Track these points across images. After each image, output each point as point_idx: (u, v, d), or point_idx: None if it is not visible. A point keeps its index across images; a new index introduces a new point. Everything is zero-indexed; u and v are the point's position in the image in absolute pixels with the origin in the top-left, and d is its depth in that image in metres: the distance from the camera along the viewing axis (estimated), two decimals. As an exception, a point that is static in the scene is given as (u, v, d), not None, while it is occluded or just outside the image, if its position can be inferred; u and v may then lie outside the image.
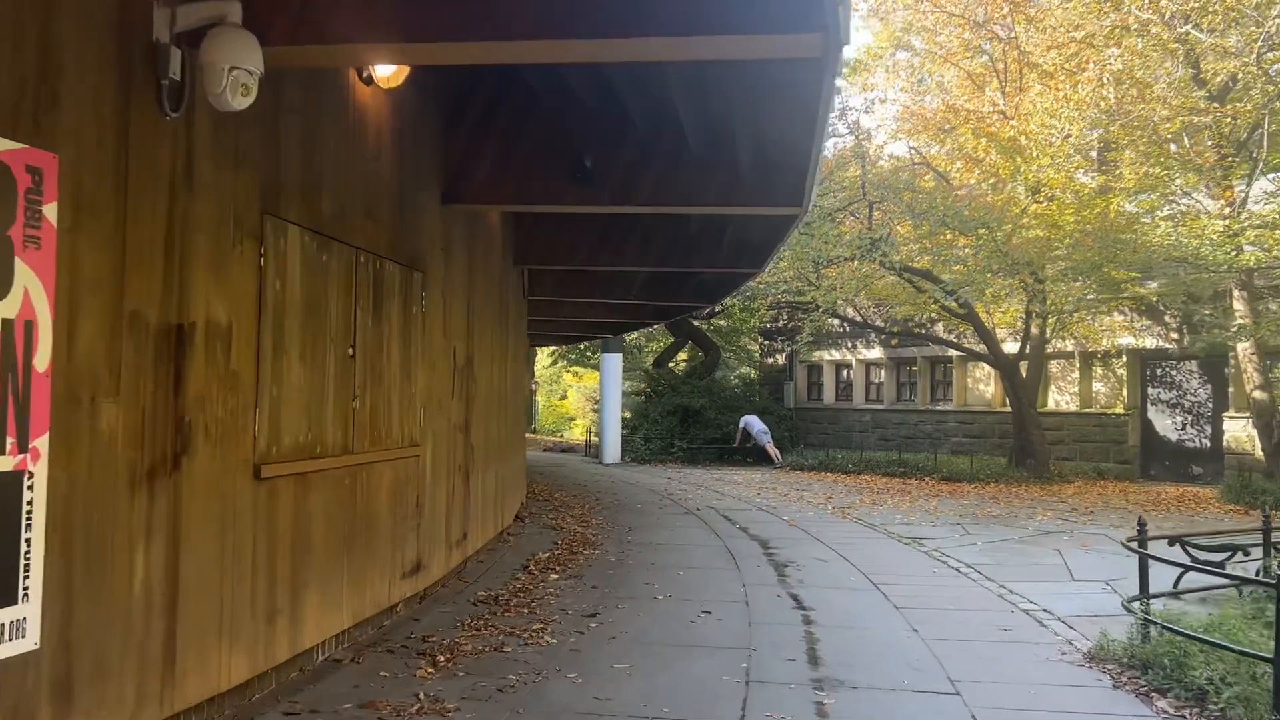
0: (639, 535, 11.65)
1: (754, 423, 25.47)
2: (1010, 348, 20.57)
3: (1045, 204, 15.61)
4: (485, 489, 9.59)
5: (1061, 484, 19.10)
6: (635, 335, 35.20)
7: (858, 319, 23.08)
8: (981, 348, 20.17)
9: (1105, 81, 13.83)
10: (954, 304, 18.40)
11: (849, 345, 26.81)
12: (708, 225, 10.77)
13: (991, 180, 15.80)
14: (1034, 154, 14.89)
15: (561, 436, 42.73)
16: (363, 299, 6.14)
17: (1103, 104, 14.02)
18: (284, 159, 5.15)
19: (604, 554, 10.12)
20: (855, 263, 21.08)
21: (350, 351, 5.96)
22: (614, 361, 25.91)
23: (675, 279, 14.33)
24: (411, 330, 6.99)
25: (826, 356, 27.56)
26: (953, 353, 23.77)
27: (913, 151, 16.99)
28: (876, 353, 26.12)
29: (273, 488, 5.05)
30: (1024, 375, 19.78)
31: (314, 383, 5.50)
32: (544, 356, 43.39)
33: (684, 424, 26.64)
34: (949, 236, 16.75)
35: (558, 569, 9.12)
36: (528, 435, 42.85)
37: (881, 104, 21.09)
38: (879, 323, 23.76)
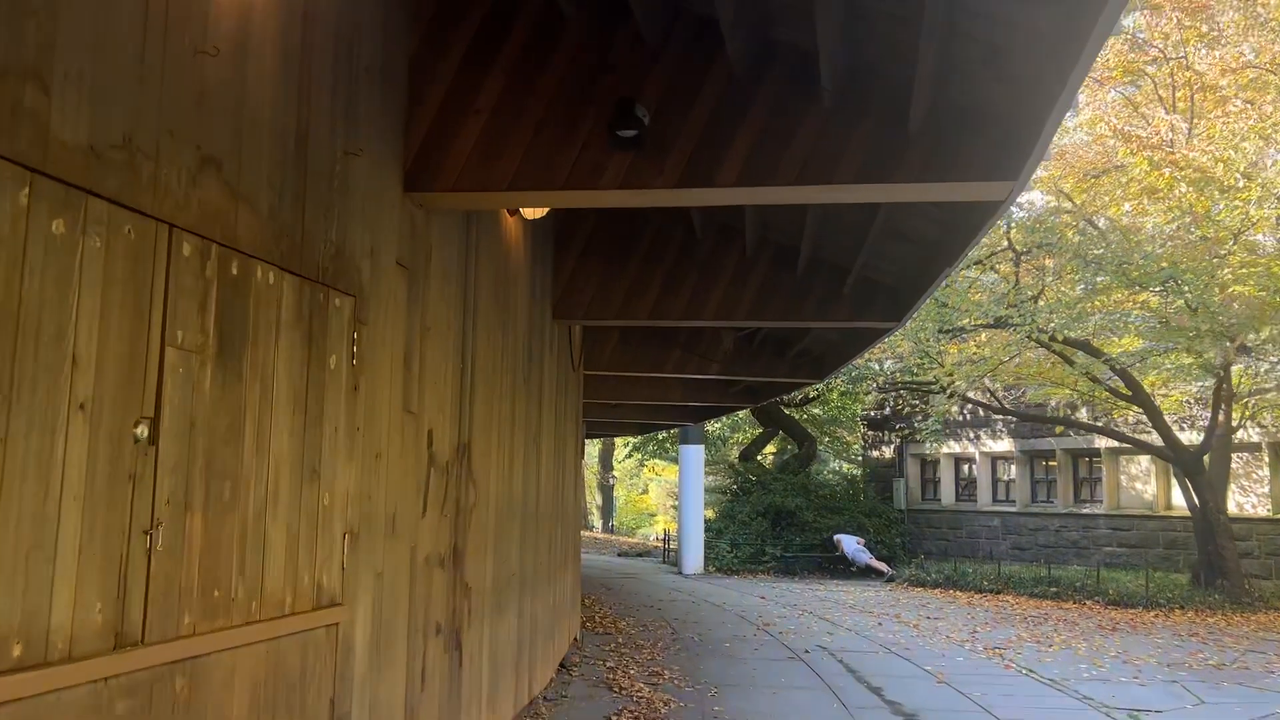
0: (731, 703, 8.20)
1: (848, 542, 21.84)
2: (1183, 438, 16.66)
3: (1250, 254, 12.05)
4: (498, 649, 6.35)
5: (1270, 612, 14.92)
6: (718, 424, 31.89)
7: (991, 403, 19.30)
8: (1152, 437, 16.30)
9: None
10: (1119, 383, 14.73)
11: (971, 435, 22.96)
12: (825, 255, 7.62)
13: (1177, 220, 12.36)
14: (1237, 184, 11.43)
15: (648, 539, 39.20)
16: (189, 328, 3.10)
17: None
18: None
19: (678, 745, 6.73)
20: (984, 334, 17.63)
21: (141, 431, 2.89)
22: (694, 454, 22.59)
23: (772, 344, 11.13)
24: (326, 394, 3.91)
25: (944, 449, 23.71)
26: (1101, 444, 19.82)
27: (1061, 196, 13.72)
28: (1004, 444, 22.21)
29: None
30: (1208, 472, 15.80)
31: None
32: (620, 448, 40.22)
33: (776, 527, 23.01)
34: (1118, 296, 13.27)
35: (603, 782, 5.78)
36: (601, 536, 39.43)
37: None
38: (1007, 406, 19.88)
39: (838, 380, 20.15)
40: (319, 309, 3.87)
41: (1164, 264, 11.72)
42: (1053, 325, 13.65)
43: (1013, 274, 14.09)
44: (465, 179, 4.58)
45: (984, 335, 18.23)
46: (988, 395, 18.89)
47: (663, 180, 4.45)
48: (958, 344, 18.09)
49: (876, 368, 19.99)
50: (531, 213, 6.46)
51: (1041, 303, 13.75)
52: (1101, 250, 12.22)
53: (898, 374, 18.55)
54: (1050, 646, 11.77)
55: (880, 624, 13.61)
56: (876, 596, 17.54)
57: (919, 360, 17.65)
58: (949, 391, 16.62)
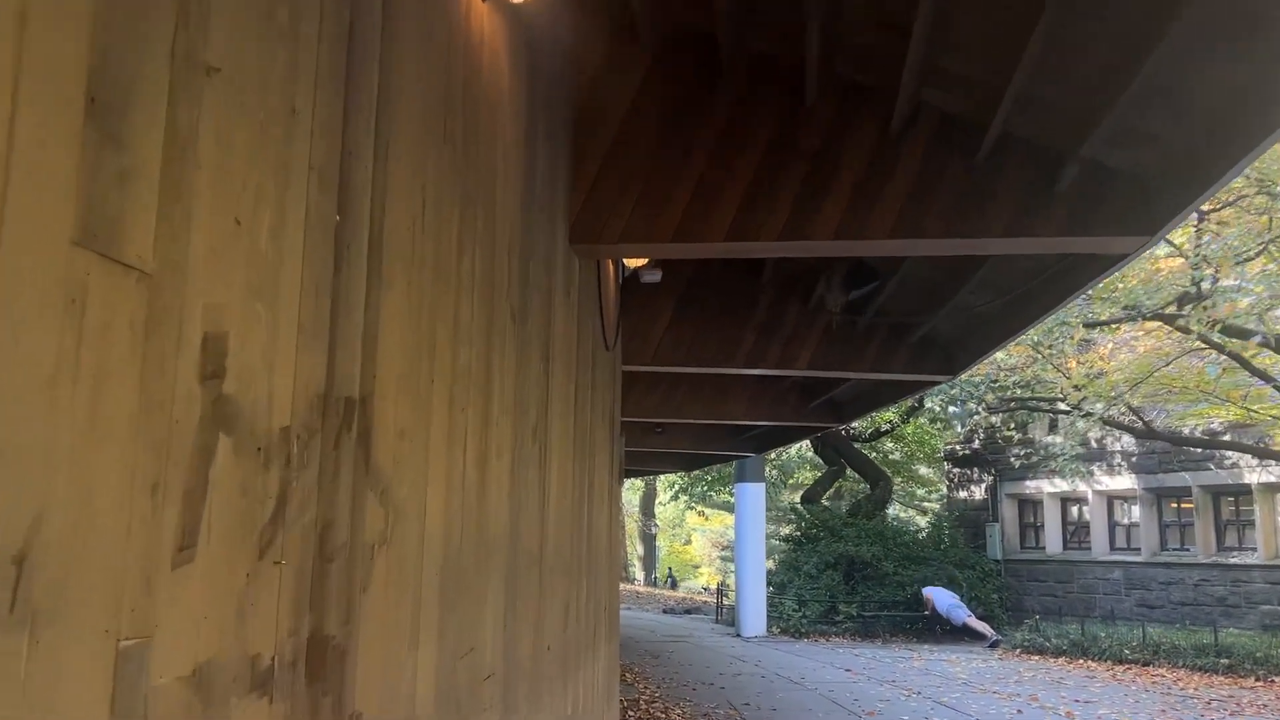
0: None
1: (941, 597, 18.40)
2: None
3: None
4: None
5: None
6: (771, 462, 28.55)
7: (1135, 425, 15.73)
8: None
9: None
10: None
11: (1081, 470, 19.39)
12: (1027, 129, 4.44)
13: None
14: None
15: (694, 591, 35.76)
16: None
17: None
18: None
19: None
20: (1107, 345, 14.33)
21: None
22: (753, 494, 19.30)
23: (886, 324, 7.99)
24: None
25: (1047, 488, 20.17)
26: (1252, 480, 16.28)
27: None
28: (1124, 481, 18.64)
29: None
30: None
31: None
32: (662, 490, 36.89)
33: (849, 581, 19.60)
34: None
35: None
36: (644, 589, 35.93)
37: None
38: (1154, 430, 16.14)
39: (938, 401, 16.89)
40: None
41: None
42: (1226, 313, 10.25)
43: (1189, 242, 10.78)
44: None
45: (1107, 347, 14.93)
46: (1138, 416, 15.19)
47: None
48: (1077, 357, 14.79)
49: (989, 374, 16.45)
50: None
51: (1226, 281, 10.41)
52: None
53: (1014, 387, 15.21)
54: (1283, 753, 8.34)
55: (1020, 712, 10.20)
56: (989, 668, 14.08)
57: (1031, 375, 14.35)
58: (1083, 411, 13.25)
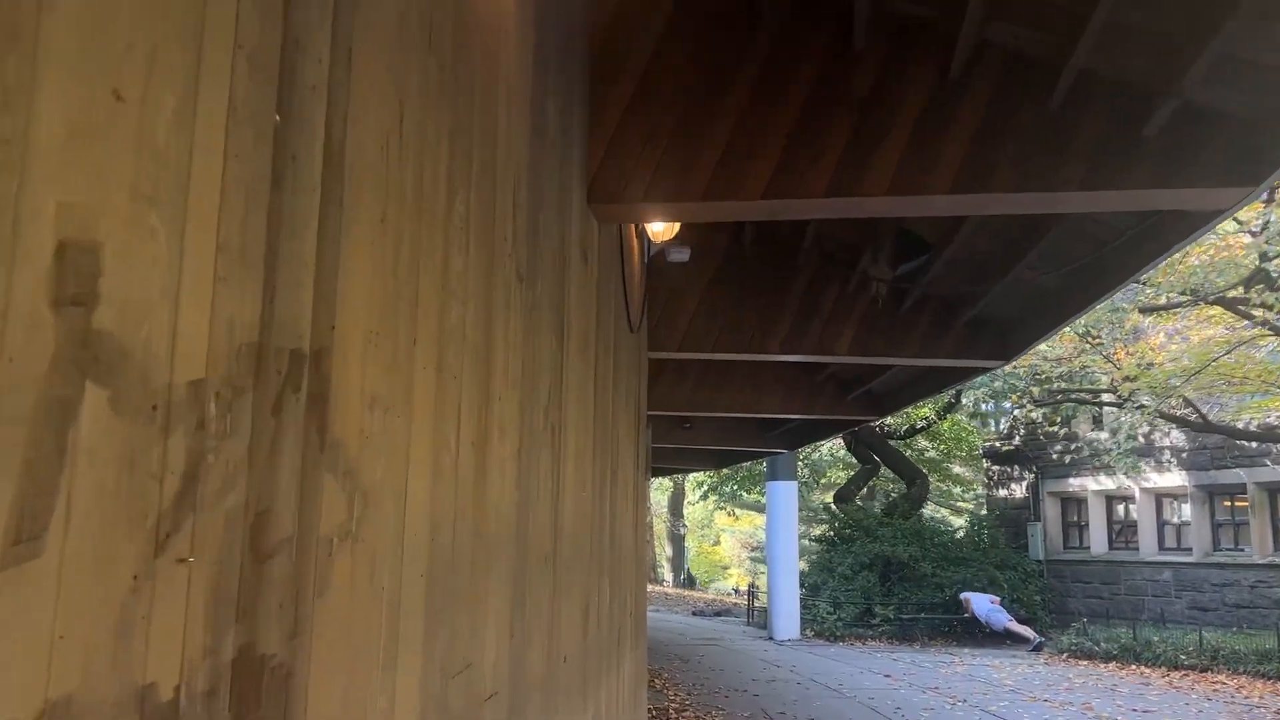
0: None
1: (979, 602, 17.78)
2: None
3: None
4: None
5: None
6: (802, 461, 27.87)
7: (1191, 418, 14.96)
8: None
9: None
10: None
11: (1134, 465, 18.56)
12: (1111, 67, 3.91)
13: None
14: None
15: (723, 593, 35.14)
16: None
17: None
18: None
19: None
20: (1160, 335, 13.62)
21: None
22: (785, 493, 18.69)
23: (935, 304, 7.41)
24: None
25: (1091, 485, 19.39)
26: (1313, 475, 15.47)
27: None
28: (1174, 477, 17.83)
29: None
30: None
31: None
32: (691, 490, 36.30)
33: (886, 582, 18.95)
34: None
35: None
36: (673, 591, 35.36)
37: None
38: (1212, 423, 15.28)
39: (975, 395, 16.22)
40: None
41: None
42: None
43: (1258, 217, 10.06)
44: None
45: (1158, 337, 14.21)
46: (1183, 409, 14.45)
47: None
48: (1126, 347, 14.07)
49: (1035, 364, 15.74)
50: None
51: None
52: None
53: (1056, 379, 14.52)
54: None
55: (1077, 725, 9.55)
56: (1035, 673, 13.40)
57: (1078, 365, 13.64)
58: (1135, 403, 12.54)
